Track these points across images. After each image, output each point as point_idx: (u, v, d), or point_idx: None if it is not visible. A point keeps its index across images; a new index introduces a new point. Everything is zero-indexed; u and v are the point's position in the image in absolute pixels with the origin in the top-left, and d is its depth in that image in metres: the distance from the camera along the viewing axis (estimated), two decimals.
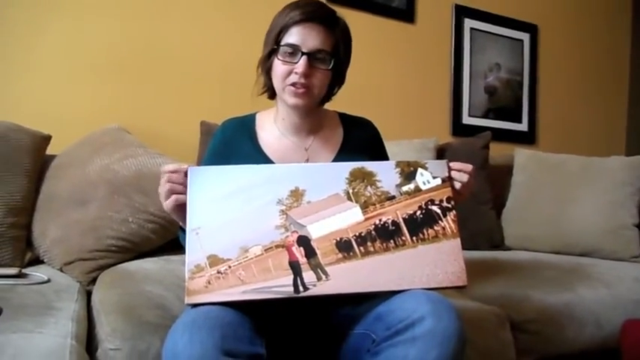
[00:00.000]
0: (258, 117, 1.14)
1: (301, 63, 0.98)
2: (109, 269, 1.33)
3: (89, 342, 1.03)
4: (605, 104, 2.95)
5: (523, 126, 2.68)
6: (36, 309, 1.01)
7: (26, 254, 1.38)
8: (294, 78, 1.00)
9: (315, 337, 0.97)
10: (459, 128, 2.47)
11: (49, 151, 1.54)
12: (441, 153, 2.06)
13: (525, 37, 2.67)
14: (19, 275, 1.23)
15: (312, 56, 0.99)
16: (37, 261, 1.40)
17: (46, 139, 1.53)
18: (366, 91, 2.23)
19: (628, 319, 1.20)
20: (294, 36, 0.99)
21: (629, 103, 3.02)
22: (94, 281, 1.30)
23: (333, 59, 1.02)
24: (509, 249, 2.03)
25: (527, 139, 2.68)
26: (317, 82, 1.02)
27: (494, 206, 2.10)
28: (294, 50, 0.99)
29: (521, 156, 2.22)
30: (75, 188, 1.43)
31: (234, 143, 1.09)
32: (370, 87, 2.25)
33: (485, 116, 2.57)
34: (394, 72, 2.35)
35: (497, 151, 2.32)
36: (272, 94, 1.10)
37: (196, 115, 1.84)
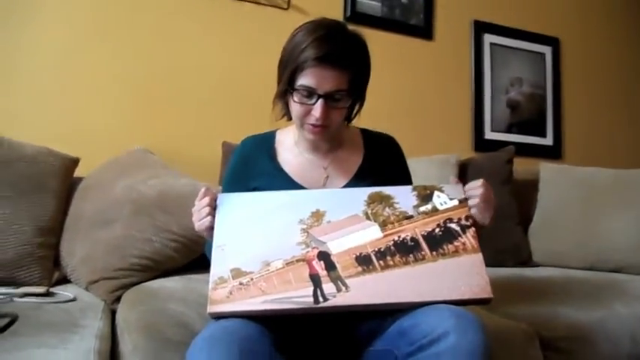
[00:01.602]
0: (278, 134, 1.15)
1: (318, 106, 0.97)
2: (132, 288, 1.34)
3: (113, 359, 1.04)
4: (632, 115, 2.88)
5: (548, 140, 2.63)
6: (61, 326, 1.03)
7: (54, 273, 1.41)
8: (311, 119, 0.99)
9: (336, 352, 0.95)
10: (481, 143, 2.45)
11: (76, 173, 1.59)
12: (463, 169, 2.03)
13: (547, 50, 2.64)
14: (47, 294, 1.25)
15: (329, 98, 0.97)
16: (64, 280, 1.43)
17: (75, 162, 1.58)
18: (386, 109, 2.23)
19: None
20: (309, 78, 0.96)
21: None
22: (118, 300, 1.32)
23: (351, 97, 1.01)
24: (537, 265, 1.98)
25: (553, 153, 2.63)
26: (334, 119, 1.01)
27: (521, 222, 2.05)
28: (310, 93, 0.98)
29: (547, 170, 2.18)
30: (101, 208, 1.47)
31: (254, 161, 1.10)
32: (390, 104, 2.25)
33: (508, 131, 2.53)
34: (414, 89, 2.35)
35: (522, 166, 2.27)
36: (291, 117, 1.11)
37: (218, 136, 1.87)
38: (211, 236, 0.95)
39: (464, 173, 2.00)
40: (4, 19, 1.73)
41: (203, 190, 0.98)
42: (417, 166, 1.97)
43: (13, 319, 0.60)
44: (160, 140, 1.84)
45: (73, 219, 1.48)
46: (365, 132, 1.17)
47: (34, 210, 1.41)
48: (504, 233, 1.99)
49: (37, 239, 1.39)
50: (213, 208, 0.96)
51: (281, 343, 0.84)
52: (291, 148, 1.12)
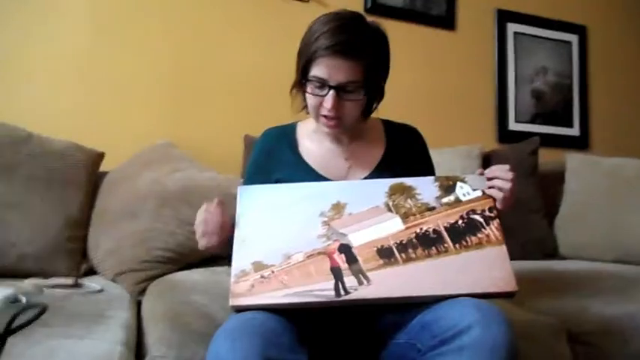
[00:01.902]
0: (299, 126, 1.15)
1: (329, 98, 0.96)
2: (157, 280, 1.37)
3: (139, 350, 1.06)
4: None
5: (574, 130, 2.56)
6: (89, 317, 1.05)
7: (82, 265, 1.45)
8: (324, 111, 0.99)
9: (358, 345, 0.95)
10: (505, 134, 2.40)
11: (102, 167, 1.62)
12: (486, 160, 2.00)
13: (574, 38, 2.57)
14: (75, 285, 1.28)
15: (340, 89, 0.96)
16: (91, 272, 1.46)
17: (100, 156, 1.61)
18: (409, 100, 2.20)
19: None
20: (320, 69, 0.96)
21: None
22: (143, 291, 1.34)
23: (365, 88, 0.98)
24: (563, 258, 1.94)
25: (580, 143, 2.56)
26: (348, 112, 1.00)
27: (546, 214, 2.01)
28: (322, 84, 0.97)
29: (574, 161, 2.12)
30: (126, 202, 1.50)
31: (276, 152, 1.10)
32: (413, 96, 2.23)
33: (532, 121, 2.48)
34: (437, 80, 2.32)
35: (548, 157, 2.23)
36: None
37: (240, 129, 1.88)
38: (216, 251, 0.98)
39: (487, 165, 1.93)
40: (26, 13, 1.76)
41: (217, 200, 0.99)
42: (440, 158, 1.95)
43: (43, 310, 0.62)
44: (183, 134, 1.86)
45: (100, 212, 1.52)
46: (387, 123, 1.16)
47: (63, 203, 1.45)
48: (530, 226, 1.96)
49: (66, 232, 1.43)
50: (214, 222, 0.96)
51: (303, 336, 0.85)
52: (313, 140, 1.12)
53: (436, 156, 1.96)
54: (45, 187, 1.43)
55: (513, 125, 2.44)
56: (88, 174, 1.54)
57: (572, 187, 2.07)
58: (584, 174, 2.06)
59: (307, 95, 1.00)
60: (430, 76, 2.30)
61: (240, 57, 2.00)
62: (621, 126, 2.67)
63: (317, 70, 0.96)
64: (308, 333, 0.87)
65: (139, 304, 1.29)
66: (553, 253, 1.96)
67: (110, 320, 1.07)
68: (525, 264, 1.77)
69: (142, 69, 1.88)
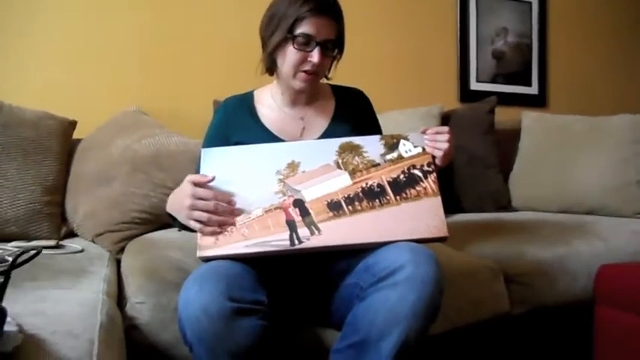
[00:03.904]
0: (256, 93, 1.24)
1: (316, 52, 1.07)
2: (135, 239, 1.47)
3: (119, 301, 1.18)
4: (620, 62, 2.91)
5: (533, 89, 2.69)
6: (72, 273, 1.15)
7: (62, 228, 1.54)
8: (307, 66, 1.09)
9: (312, 288, 1.08)
10: (467, 94, 2.51)
11: (75, 135, 1.69)
12: (446, 119, 2.11)
13: None
14: (57, 246, 1.38)
15: (323, 46, 1.08)
16: (71, 234, 1.56)
17: (72, 125, 1.67)
18: (371, 61, 2.29)
19: (602, 265, 1.26)
20: (308, 26, 1.06)
21: None
22: (122, 250, 1.45)
23: (338, 47, 1.12)
24: (515, 210, 2.09)
25: (538, 102, 2.69)
26: (324, 68, 1.13)
27: (502, 170, 2.15)
28: (309, 40, 1.07)
29: (528, 119, 2.25)
30: (100, 168, 1.57)
31: (235, 118, 1.20)
32: (375, 56, 2.31)
33: (493, 81, 2.59)
34: (398, 40, 2.39)
35: (507, 116, 2.35)
36: (273, 71, 1.19)
37: (209, 94, 1.94)
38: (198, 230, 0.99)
39: (446, 124, 2.08)
40: None
41: (195, 178, 1.00)
42: (402, 118, 2.08)
43: (38, 252, 0.72)
44: (153, 100, 1.92)
45: (75, 178, 1.59)
46: (334, 87, 1.26)
47: (39, 171, 1.52)
48: (486, 180, 2.10)
49: (45, 197, 1.50)
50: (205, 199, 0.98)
51: (263, 280, 0.97)
52: (270, 105, 1.21)
53: (398, 116, 2.09)
54: (20, 155, 1.49)
55: (475, 85, 2.55)
56: (62, 142, 1.60)
57: (525, 143, 2.21)
58: (537, 131, 2.20)
59: (290, 52, 1.09)
60: (393, 38, 2.37)
61: (206, 22, 2.04)
62: (578, 85, 2.80)
63: (305, 28, 1.06)
64: (268, 277, 0.99)
65: (118, 262, 1.39)
66: (507, 206, 2.11)
67: (92, 275, 1.17)
68: (478, 215, 1.93)
69: (112, 37, 1.91)
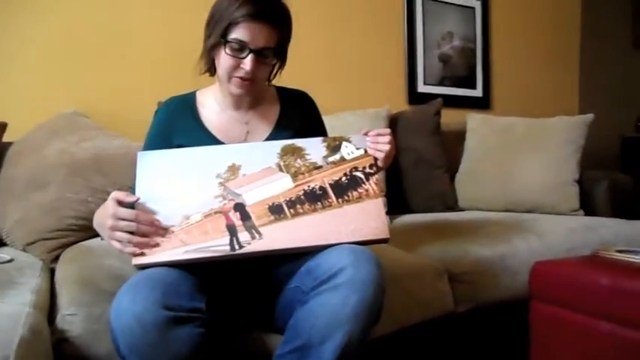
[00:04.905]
0: (198, 95, 1.20)
1: (248, 60, 1.03)
2: (71, 247, 1.40)
3: (52, 313, 1.11)
4: (558, 67, 3.06)
5: (478, 92, 2.78)
6: None
7: None
8: (240, 72, 1.05)
9: (255, 292, 1.06)
10: (414, 97, 2.56)
11: (4, 138, 1.58)
12: (393, 121, 2.14)
13: (477, 4, 2.74)
14: None
15: (258, 53, 1.04)
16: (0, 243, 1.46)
17: (2, 127, 1.57)
18: (322, 64, 2.30)
19: (537, 261, 1.31)
20: (242, 32, 1.01)
21: (580, 64, 3.14)
22: (57, 258, 1.37)
23: (276, 55, 1.08)
24: (462, 210, 2.15)
25: (483, 104, 2.78)
26: (261, 75, 1.09)
27: (448, 170, 2.20)
28: (242, 47, 1.03)
29: (473, 121, 2.32)
30: (33, 172, 1.49)
31: (176, 120, 1.16)
32: (326, 59, 2.32)
33: (440, 84, 2.66)
34: (349, 43, 2.41)
35: (454, 118, 2.41)
36: (213, 72, 1.16)
37: (154, 96, 1.87)
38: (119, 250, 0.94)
39: (394, 125, 2.11)
40: None
41: (134, 199, 0.94)
42: (353, 118, 2.09)
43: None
44: (93, 102, 1.84)
45: (5, 184, 1.50)
46: (279, 89, 1.24)
47: None
48: (433, 181, 2.15)
49: None
50: (127, 219, 0.92)
51: (202, 286, 0.94)
52: (213, 107, 1.18)
53: (348, 117, 2.10)
54: None
55: (422, 88, 2.60)
56: None
57: (470, 144, 2.27)
58: (481, 132, 2.27)
59: (223, 57, 1.05)
60: (343, 41, 2.39)
61: (151, 22, 1.98)
62: (521, 88, 2.92)
63: (239, 33, 1.02)
64: (208, 282, 0.96)
65: (52, 272, 1.32)
66: (453, 206, 2.17)
67: (21, 286, 1.10)
68: (425, 216, 1.97)
69: (47, 33, 1.81)
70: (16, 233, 1.42)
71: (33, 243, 1.39)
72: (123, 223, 0.92)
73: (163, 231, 0.94)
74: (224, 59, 1.05)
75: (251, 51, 1.03)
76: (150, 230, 0.93)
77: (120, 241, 0.92)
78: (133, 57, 1.94)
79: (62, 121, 1.64)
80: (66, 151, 1.52)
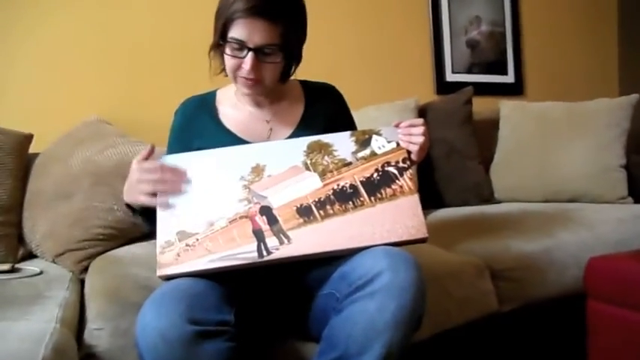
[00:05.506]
0: (218, 93, 1.16)
1: (248, 59, 0.96)
2: (99, 257, 1.38)
3: (81, 327, 1.08)
4: (594, 47, 2.90)
5: (509, 78, 2.65)
6: (26, 299, 1.06)
7: (19, 250, 1.43)
8: (243, 72, 0.99)
9: (285, 301, 1.00)
10: (442, 86, 2.46)
11: (32, 149, 1.58)
12: (422, 112, 2.06)
13: None
14: (12, 270, 1.28)
15: (259, 51, 0.96)
16: (30, 255, 1.45)
17: (28, 139, 1.56)
18: (345, 57, 2.23)
19: (592, 257, 1.21)
20: (239, 30, 0.95)
21: (619, 43, 2.96)
22: (86, 269, 1.35)
23: (283, 52, 0.98)
24: (498, 202, 2.04)
25: (515, 90, 2.65)
26: (267, 74, 1.01)
27: (483, 161, 2.10)
28: (241, 45, 0.96)
29: (506, 108, 2.21)
30: (59, 183, 1.47)
31: (195, 121, 1.11)
32: (349, 52, 2.25)
33: (469, 71, 2.54)
34: (372, 35, 2.33)
35: (485, 106, 2.30)
36: None
37: (177, 101, 1.84)
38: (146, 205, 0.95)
39: (423, 117, 2.02)
40: None
41: (149, 148, 0.98)
42: (378, 113, 2.01)
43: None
44: (115, 109, 1.82)
45: (33, 195, 1.49)
46: (304, 83, 1.17)
47: None
48: (467, 173, 2.05)
49: None
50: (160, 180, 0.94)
51: (230, 296, 0.89)
52: (233, 105, 1.12)
53: (374, 111, 2.03)
54: None
55: (450, 76, 2.50)
56: (17, 157, 1.49)
57: (504, 133, 2.17)
58: (515, 120, 2.16)
59: (226, 57, 1.00)
60: (365, 33, 2.31)
61: (172, 27, 1.95)
62: (553, 71, 2.78)
63: (235, 32, 0.96)
64: (237, 292, 0.91)
65: (83, 283, 1.30)
66: (489, 198, 2.07)
67: (48, 300, 1.08)
68: (460, 210, 1.88)
69: (68, 44, 1.80)
70: (45, 245, 1.41)
71: (62, 254, 1.38)
72: (148, 175, 0.93)
73: (184, 176, 0.94)
74: (226, 59, 1.00)
75: (250, 49, 0.96)
76: (173, 178, 0.94)
77: (147, 193, 0.93)
78: (154, 62, 1.92)
79: (86, 129, 1.63)
80: (90, 160, 1.50)
